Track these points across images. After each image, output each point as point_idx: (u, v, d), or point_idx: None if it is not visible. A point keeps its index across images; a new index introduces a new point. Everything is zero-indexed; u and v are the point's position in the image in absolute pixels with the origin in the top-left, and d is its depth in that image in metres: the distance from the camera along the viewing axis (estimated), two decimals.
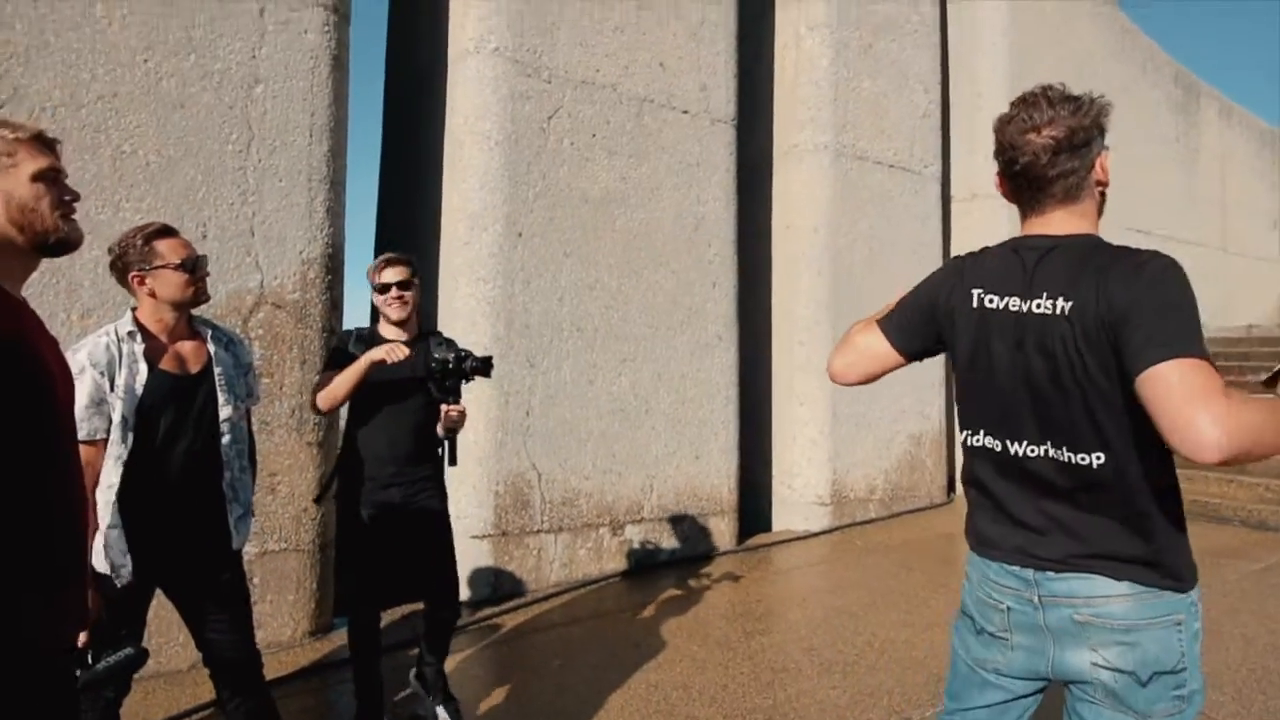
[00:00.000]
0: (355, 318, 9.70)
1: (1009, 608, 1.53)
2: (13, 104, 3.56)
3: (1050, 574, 1.48)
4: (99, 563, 2.24)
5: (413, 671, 3.46)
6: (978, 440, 1.58)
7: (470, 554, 4.92)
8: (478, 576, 4.94)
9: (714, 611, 4.69)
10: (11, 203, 1.51)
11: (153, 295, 2.37)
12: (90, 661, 2.07)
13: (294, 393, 4.25)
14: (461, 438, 4.99)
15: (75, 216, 1.61)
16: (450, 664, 3.95)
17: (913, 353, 1.69)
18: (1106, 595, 1.42)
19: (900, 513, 7.28)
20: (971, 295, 1.56)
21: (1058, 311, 1.43)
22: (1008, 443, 1.53)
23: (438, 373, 3.01)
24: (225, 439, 2.45)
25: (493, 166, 5.06)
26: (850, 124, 7.16)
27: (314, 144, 4.32)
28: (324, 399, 3.01)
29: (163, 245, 2.36)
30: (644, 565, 5.58)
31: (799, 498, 6.92)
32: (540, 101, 5.24)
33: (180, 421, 2.36)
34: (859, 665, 3.84)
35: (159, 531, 2.32)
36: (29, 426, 1.46)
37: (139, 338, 2.34)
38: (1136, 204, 9.87)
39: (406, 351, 2.94)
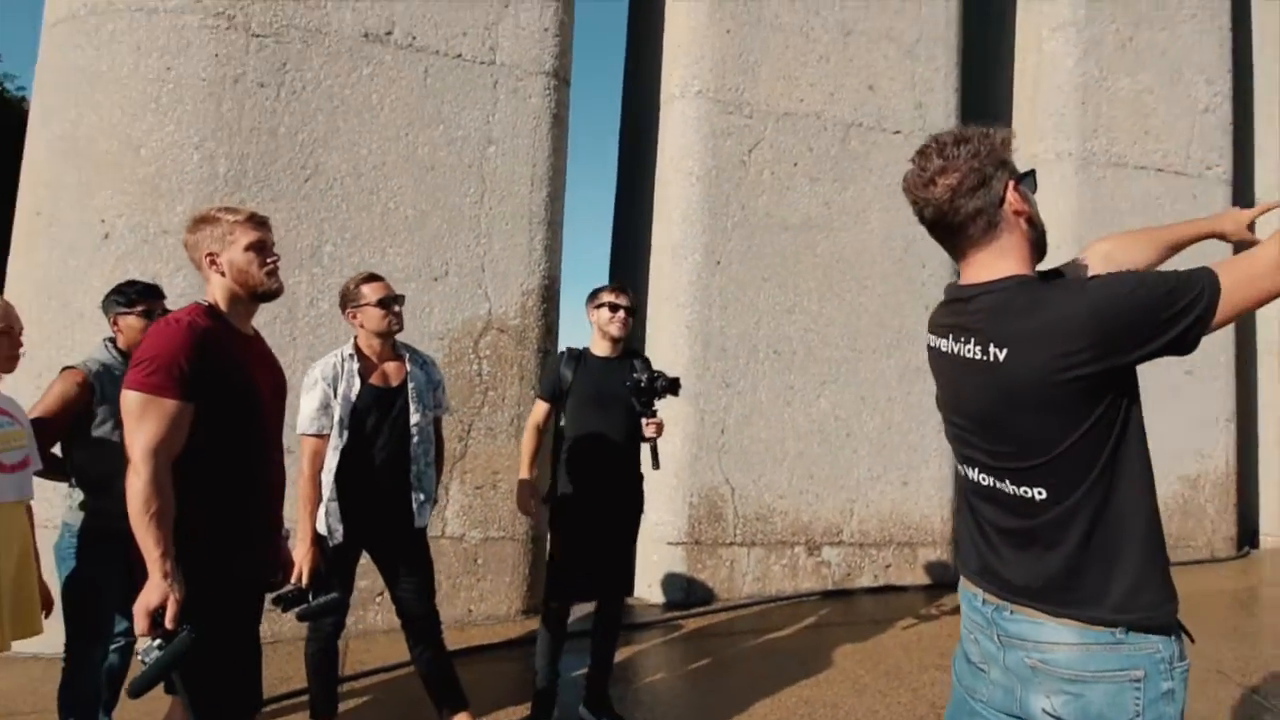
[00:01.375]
0: (570, 339, 10.57)
1: (978, 640, 1.51)
2: (315, 176, 4.61)
3: (1005, 612, 1.44)
4: (320, 526, 2.90)
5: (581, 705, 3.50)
6: (959, 467, 1.59)
7: (665, 559, 5.24)
8: (671, 581, 5.24)
9: (895, 641, 4.51)
10: (233, 267, 2.12)
11: (362, 326, 3.01)
12: (310, 600, 2.71)
13: (513, 404, 4.90)
14: (660, 449, 5.37)
15: (278, 273, 2.20)
16: (627, 652, 4.29)
17: None
18: (1053, 642, 1.36)
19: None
20: (929, 336, 1.60)
21: (990, 359, 1.40)
22: (968, 470, 1.51)
23: (633, 391, 3.32)
24: (414, 439, 3.02)
25: (693, 200, 5.40)
26: (1103, 128, 6.42)
27: (534, 191, 4.99)
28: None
29: (367, 288, 2.99)
30: (840, 588, 5.49)
31: None
32: (741, 136, 5.47)
33: (380, 424, 2.96)
34: None
35: (363, 507, 2.94)
36: (239, 428, 2.05)
37: (356, 359, 2.98)
38: None
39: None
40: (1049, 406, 1.33)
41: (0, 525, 2.46)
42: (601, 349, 3.46)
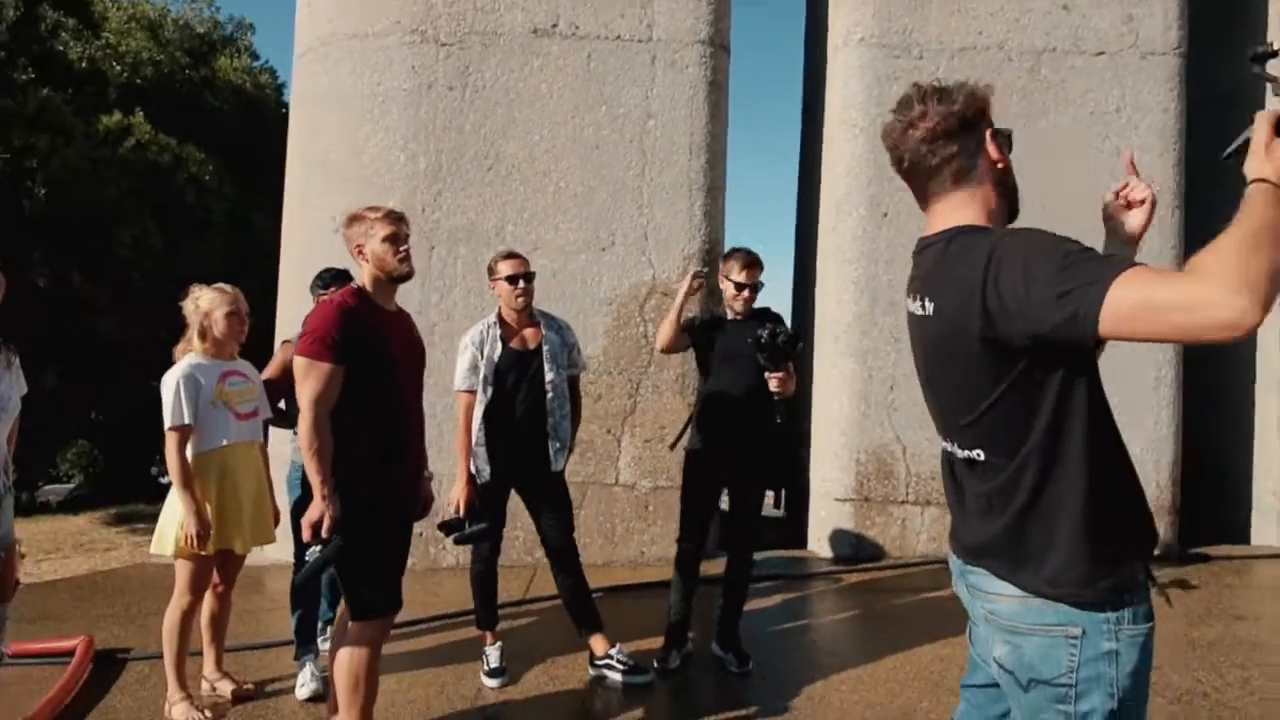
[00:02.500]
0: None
1: (953, 578, 1.54)
2: (496, 164, 5.17)
3: (967, 566, 1.46)
4: (472, 467, 3.39)
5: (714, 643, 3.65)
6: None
7: (834, 515, 5.26)
8: (839, 537, 5.25)
9: None
10: (374, 256, 2.59)
11: (499, 297, 3.43)
12: (465, 527, 3.23)
13: (678, 363, 5.17)
14: (826, 407, 5.36)
15: (410, 259, 2.62)
16: (781, 599, 4.44)
17: None
18: (998, 594, 1.38)
19: None
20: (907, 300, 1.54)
21: (926, 312, 1.40)
22: (940, 437, 1.51)
23: (755, 347, 3.47)
24: (549, 395, 3.40)
25: (857, 153, 5.24)
26: None
27: (693, 159, 5.16)
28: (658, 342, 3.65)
29: (502, 265, 3.39)
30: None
31: None
32: (910, 80, 5.15)
33: (520, 382, 3.37)
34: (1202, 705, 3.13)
35: (506, 452, 3.38)
36: (378, 385, 2.52)
37: (498, 326, 3.42)
38: None
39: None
40: (967, 361, 1.32)
41: (240, 459, 3.21)
42: (732, 313, 3.59)
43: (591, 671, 3.44)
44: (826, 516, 5.30)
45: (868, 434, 5.20)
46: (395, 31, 5.20)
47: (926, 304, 1.40)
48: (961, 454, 1.41)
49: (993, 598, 1.38)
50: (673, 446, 4.75)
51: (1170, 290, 1.07)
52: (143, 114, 7.59)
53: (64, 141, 6.64)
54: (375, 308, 2.61)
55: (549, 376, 3.38)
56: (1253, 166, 1.15)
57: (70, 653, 3.61)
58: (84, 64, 7.89)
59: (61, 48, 7.81)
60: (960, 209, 1.45)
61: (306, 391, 2.43)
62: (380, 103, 5.22)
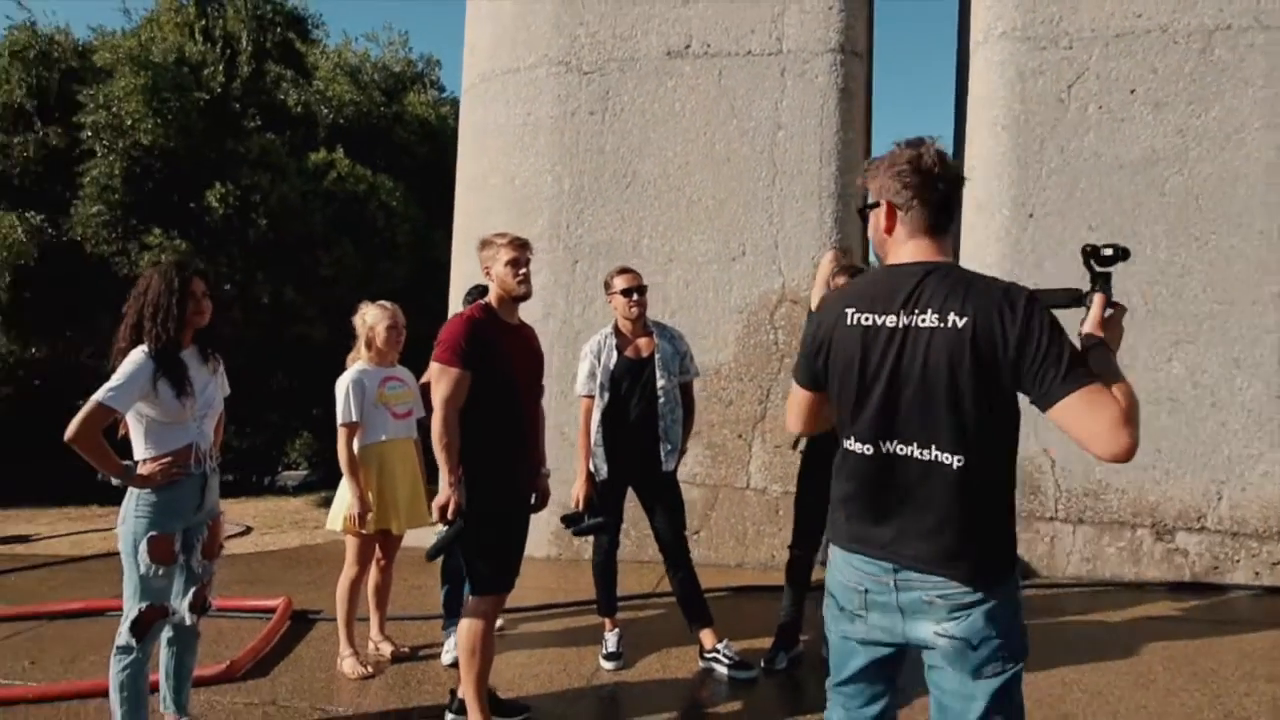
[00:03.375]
0: None
1: (866, 590, 1.69)
2: (633, 182, 5.51)
3: (908, 572, 1.64)
4: (592, 465, 3.71)
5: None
6: (852, 445, 1.70)
7: None
8: None
9: (1231, 646, 3.82)
10: (498, 277, 2.97)
11: (615, 310, 3.72)
12: (584, 520, 3.57)
13: None
14: None
15: (528, 281, 2.98)
16: None
17: (816, 386, 1.80)
18: (952, 587, 1.61)
19: None
20: (845, 314, 1.70)
21: (949, 325, 1.56)
22: (881, 444, 1.64)
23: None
24: (661, 400, 3.65)
25: (998, 151, 5.06)
26: None
27: (823, 168, 5.22)
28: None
29: (618, 279, 3.69)
30: (1201, 582, 4.70)
31: None
32: (1057, 73, 4.94)
33: (633, 388, 3.66)
34: None
35: (622, 452, 3.68)
36: (498, 390, 2.90)
37: (614, 336, 3.72)
38: None
39: None
40: (979, 374, 1.56)
41: (397, 452, 3.74)
42: None
43: (700, 664, 3.64)
44: None
45: None
46: (543, 64, 5.68)
47: (951, 318, 1.57)
48: (927, 456, 1.59)
49: (944, 584, 1.60)
50: (794, 446, 4.84)
51: (1106, 418, 1.48)
52: (343, 150, 8.73)
53: (280, 178, 7.82)
54: (499, 321, 2.98)
55: (660, 383, 3.63)
56: (1089, 329, 1.63)
57: (272, 610, 4.34)
58: (298, 109, 9.21)
59: (282, 96, 9.19)
60: (947, 247, 1.73)
61: (439, 393, 2.84)
62: (530, 130, 5.73)
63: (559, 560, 5.46)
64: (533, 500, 3.17)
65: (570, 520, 3.61)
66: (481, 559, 2.86)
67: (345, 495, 3.66)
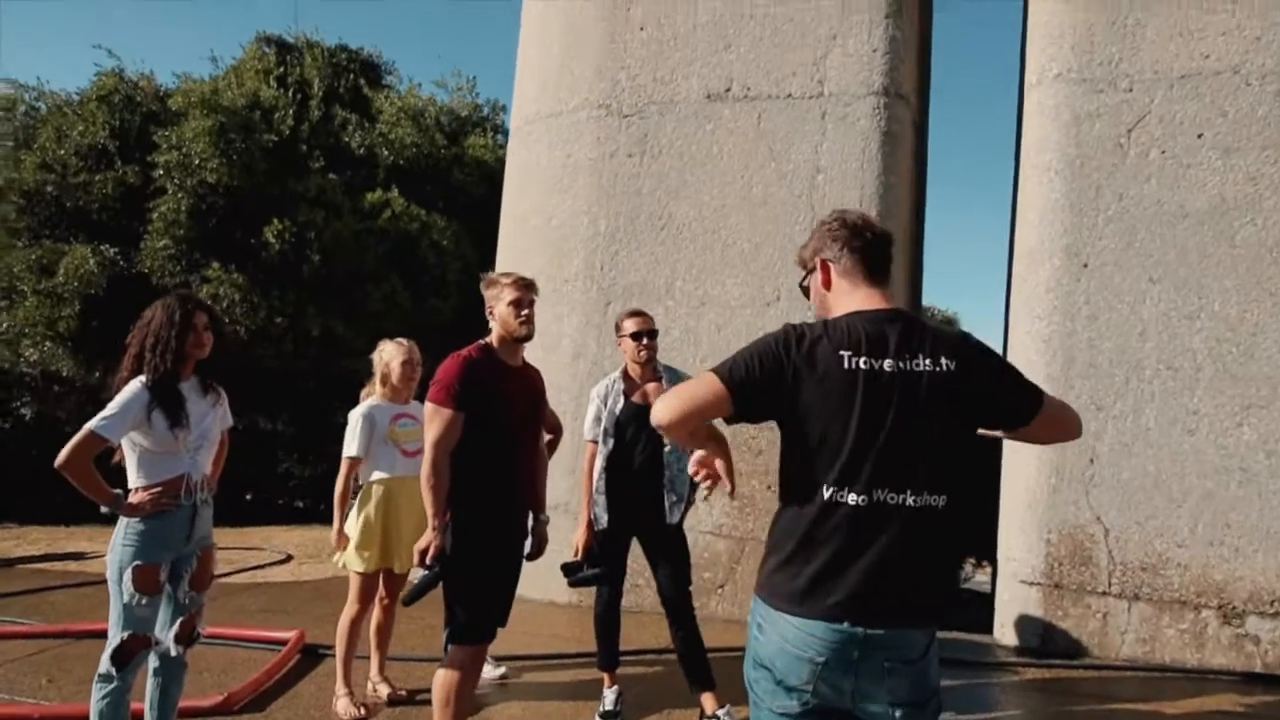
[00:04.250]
0: None
1: (824, 661, 1.57)
2: (669, 224, 5.48)
3: (879, 631, 1.56)
4: (592, 514, 3.62)
5: None
6: (840, 496, 1.60)
7: (1019, 599, 4.77)
8: (1026, 624, 4.74)
9: None
10: (500, 317, 2.95)
11: (625, 353, 3.66)
12: (583, 570, 3.48)
13: None
14: (1013, 476, 4.91)
15: (530, 323, 2.94)
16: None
17: (745, 407, 1.66)
18: (913, 644, 1.59)
19: None
20: (841, 359, 1.62)
21: (941, 368, 1.61)
22: (875, 493, 1.56)
23: None
24: (667, 448, 3.55)
25: (1051, 197, 4.84)
26: None
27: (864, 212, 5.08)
28: None
29: (628, 322, 3.63)
30: (1274, 674, 4.26)
31: None
32: (1115, 116, 4.73)
33: (639, 434, 3.57)
34: None
35: (625, 501, 3.58)
36: (493, 432, 2.86)
37: (622, 380, 3.66)
38: None
39: None
40: (960, 416, 1.65)
41: (404, 490, 3.71)
42: None
43: None
44: (1011, 600, 4.81)
45: (1058, 510, 4.68)
46: (585, 107, 5.75)
47: (943, 361, 1.62)
48: (919, 502, 1.58)
49: (906, 649, 1.58)
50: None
51: (1071, 409, 1.78)
52: (398, 190, 9.03)
53: (335, 216, 8.12)
54: (498, 362, 2.94)
55: None
56: None
57: (284, 643, 4.34)
58: (361, 150, 9.60)
59: (346, 139, 9.60)
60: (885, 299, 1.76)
61: (430, 433, 2.80)
62: (570, 172, 5.78)
63: (579, 607, 5.33)
64: (527, 547, 3.09)
65: (569, 569, 3.52)
66: (462, 607, 2.79)
67: (352, 531, 3.66)
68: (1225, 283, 4.50)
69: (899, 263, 4.98)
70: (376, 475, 3.71)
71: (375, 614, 3.81)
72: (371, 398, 3.84)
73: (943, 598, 1.67)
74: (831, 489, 1.60)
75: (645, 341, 3.57)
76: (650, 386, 3.62)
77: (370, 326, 8.38)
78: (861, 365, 1.60)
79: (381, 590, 3.78)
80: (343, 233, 7.97)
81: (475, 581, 2.80)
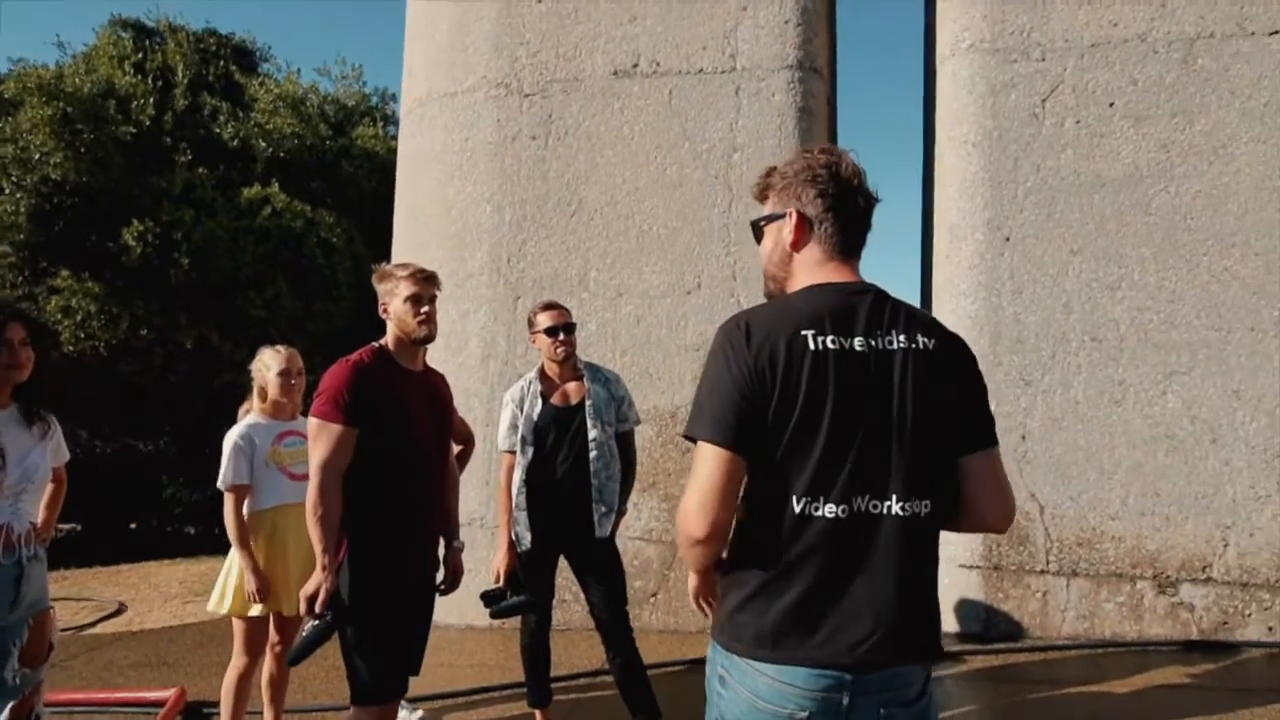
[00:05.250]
0: None
1: (807, 714, 1.31)
2: (579, 210, 5.16)
3: (872, 672, 1.32)
4: (513, 534, 3.26)
5: None
6: (812, 509, 1.32)
7: (958, 584, 4.69)
8: (967, 609, 4.67)
9: (1251, 716, 3.43)
10: (395, 315, 2.56)
11: (540, 350, 3.32)
12: (506, 598, 3.12)
13: None
14: None
15: (430, 322, 2.56)
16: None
17: (752, 451, 1.34)
18: (910, 683, 1.37)
19: None
20: (803, 337, 1.33)
21: (920, 346, 1.36)
22: (855, 501, 1.31)
23: None
24: (593, 454, 3.23)
25: (970, 171, 4.77)
26: None
27: None
28: None
29: (541, 316, 3.29)
30: (1211, 640, 4.31)
31: None
32: (1029, 86, 4.69)
33: (560, 440, 3.24)
34: None
35: (548, 517, 3.24)
36: (394, 450, 2.46)
37: (539, 381, 3.31)
38: None
39: None
40: (941, 406, 1.39)
41: (291, 520, 3.26)
42: None
43: None
44: (951, 585, 4.73)
45: None
46: (482, 87, 5.35)
47: (920, 339, 1.37)
48: (906, 509, 1.34)
49: (904, 691, 1.36)
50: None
51: (1007, 483, 1.48)
52: (278, 184, 8.34)
53: (207, 214, 7.40)
54: (395, 368, 2.56)
55: (593, 434, 3.22)
56: None
57: (161, 704, 3.81)
58: (235, 143, 8.84)
59: (218, 130, 8.82)
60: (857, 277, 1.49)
61: (316, 454, 2.40)
62: (468, 157, 5.37)
63: (503, 631, 4.97)
64: (439, 580, 2.72)
65: (490, 599, 3.16)
66: (364, 661, 2.40)
67: (233, 570, 3.19)
68: (1143, 251, 4.53)
69: None
70: (259, 504, 3.25)
71: (267, 663, 3.35)
72: (250, 415, 3.37)
73: (939, 624, 1.42)
74: (803, 500, 1.32)
75: (562, 337, 3.24)
76: (570, 387, 3.29)
77: (253, 335, 7.70)
78: (829, 345, 1.33)
79: (274, 636, 3.33)
80: (216, 232, 7.25)
81: (378, 630, 2.42)
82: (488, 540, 4.94)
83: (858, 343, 1.34)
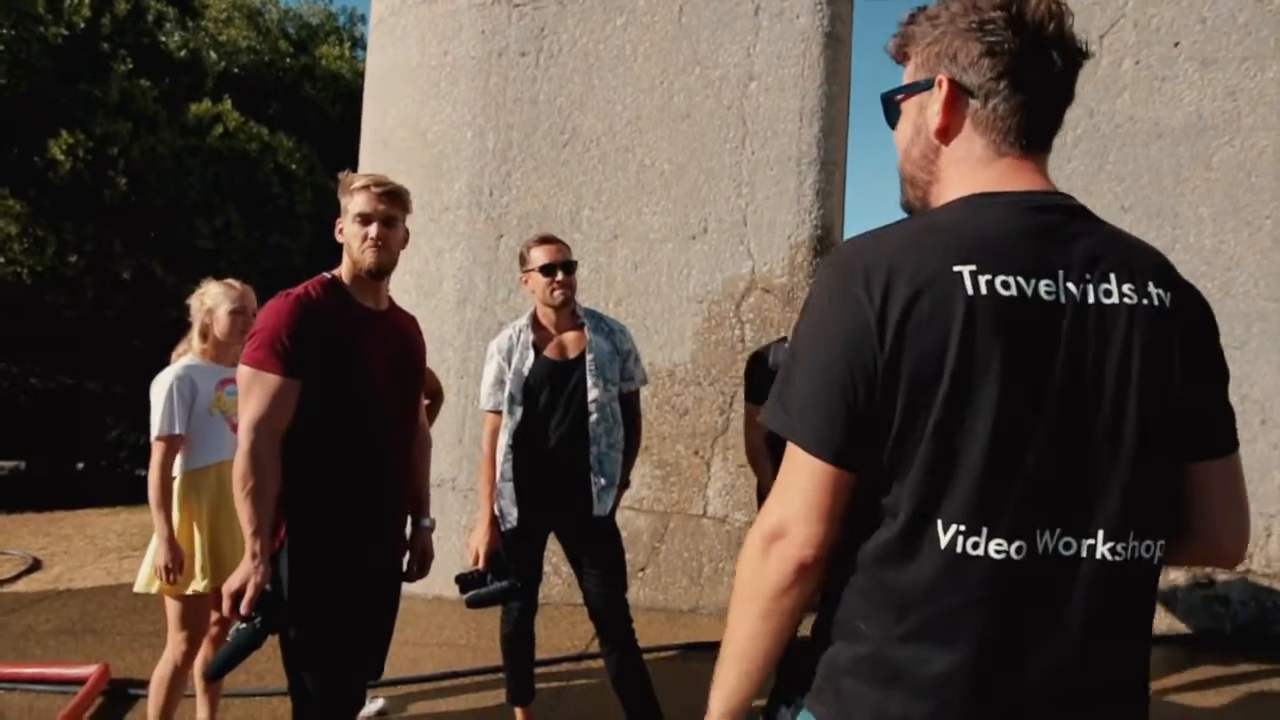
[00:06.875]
0: None
1: None
2: (573, 140, 4.67)
3: None
4: (496, 508, 2.86)
5: None
6: (969, 545, 0.90)
7: None
8: None
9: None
10: (347, 239, 2.09)
11: (533, 293, 2.87)
12: (486, 583, 2.72)
13: None
14: None
15: (380, 249, 2.08)
16: None
17: (867, 457, 0.94)
18: None
19: None
20: (959, 279, 0.90)
21: (1153, 302, 0.93)
22: (1039, 536, 0.90)
23: None
24: (593, 417, 2.82)
25: None
26: None
27: (804, 128, 4.46)
28: None
29: (537, 251, 2.84)
30: (1245, 637, 4.09)
31: None
32: (1086, 18, 4.29)
33: (555, 400, 2.83)
34: None
35: (539, 490, 2.84)
36: (348, 406, 2.02)
37: (531, 330, 2.87)
38: None
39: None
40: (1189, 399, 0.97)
41: (227, 479, 2.83)
42: None
43: None
44: None
45: None
46: None
47: (1153, 289, 0.94)
48: (1120, 552, 0.92)
49: None
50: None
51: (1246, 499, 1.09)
52: (231, 102, 7.68)
53: (148, 130, 6.76)
54: (350, 305, 2.09)
55: (593, 394, 2.80)
56: None
57: (81, 681, 3.40)
58: (183, 53, 8.11)
59: (164, 38, 8.07)
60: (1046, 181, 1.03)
61: (247, 411, 1.96)
62: (447, 74, 4.85)
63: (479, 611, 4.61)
64: (405, 566, 2.31)
65: (467, 583, 2.76)
66: (309, 672, 1.98)
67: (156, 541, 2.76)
68: (1201, 210, 4.18)
69: (826, 188, 4.41)
70: (199, 459, 2.82)
71: (204, 649, 2.95)
72: (187, 356, 2.92)
73: (1147, 699, 0.99)
74: (952, 530, 0.90)
75: (560, 277, 2.80)
76: (568, 338, 2.87)
77: (199, 268, 7.13)
78: (1000, 290, 0.89)
79: (216, 615, 2.92)
80: (158, 150, 6.61)
81: (327, 634, 1.99)
82: (460, 504, 4.55)
83: (1046, 288, 0.91)
